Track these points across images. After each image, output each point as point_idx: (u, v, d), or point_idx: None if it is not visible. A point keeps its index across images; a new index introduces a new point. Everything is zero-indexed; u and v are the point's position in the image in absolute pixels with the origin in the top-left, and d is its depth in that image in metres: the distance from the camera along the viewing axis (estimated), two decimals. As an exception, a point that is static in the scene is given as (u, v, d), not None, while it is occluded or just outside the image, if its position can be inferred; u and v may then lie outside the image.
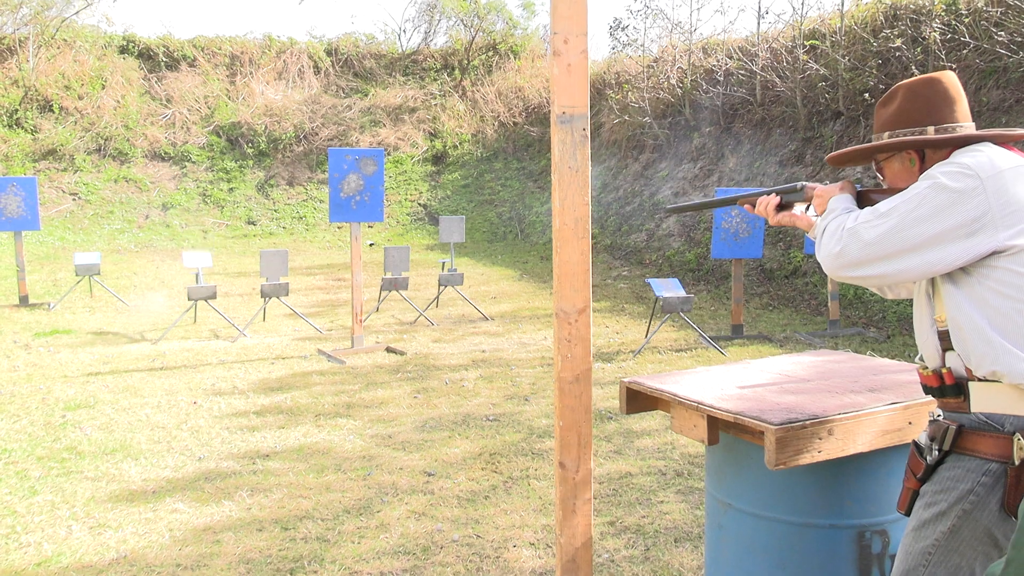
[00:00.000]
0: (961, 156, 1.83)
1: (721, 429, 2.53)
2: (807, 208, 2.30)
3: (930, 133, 1.95)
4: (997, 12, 9.88)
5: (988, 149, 1.85)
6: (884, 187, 2.10)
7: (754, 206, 2.41)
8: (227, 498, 4.37)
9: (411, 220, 19.34)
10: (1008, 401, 1.77)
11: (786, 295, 10.34)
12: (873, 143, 2.05)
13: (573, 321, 2.38)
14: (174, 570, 3.57)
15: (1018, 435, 1.74)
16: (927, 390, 1.97)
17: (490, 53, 23.60)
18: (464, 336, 8.98)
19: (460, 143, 21.57)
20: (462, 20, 23.81)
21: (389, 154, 20.70)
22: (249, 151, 20.05)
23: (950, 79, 1.99)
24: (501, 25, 23.93)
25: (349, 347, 8.19)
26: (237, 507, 4.25)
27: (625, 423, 5.59)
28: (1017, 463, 1.74)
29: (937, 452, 1.88)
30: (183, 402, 6.26)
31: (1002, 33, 9.62)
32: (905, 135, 1.98)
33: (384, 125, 21.41)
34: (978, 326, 1.79)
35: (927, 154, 1.97)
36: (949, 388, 1.88)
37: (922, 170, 1.97)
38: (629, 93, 16.91)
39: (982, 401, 1.82)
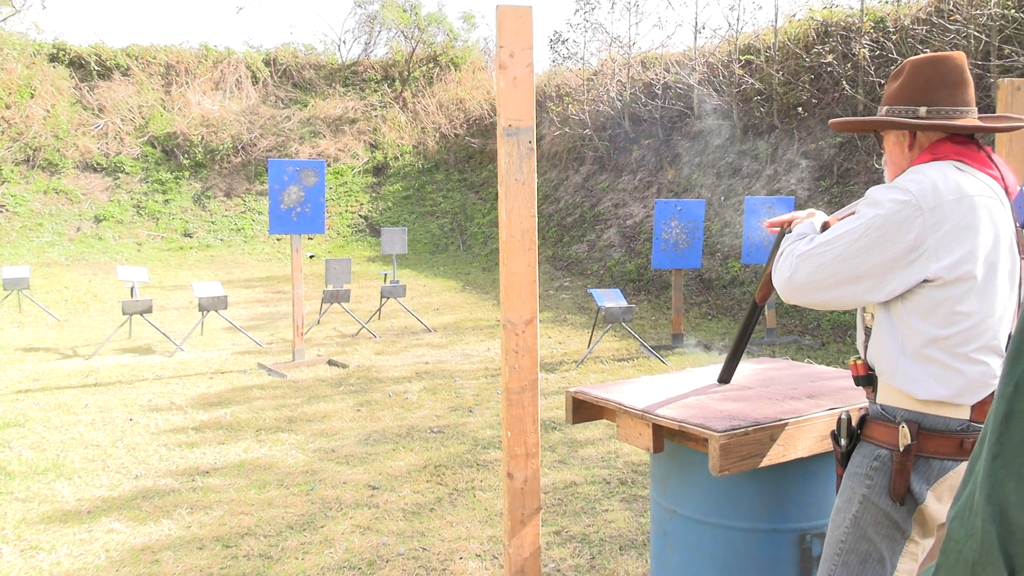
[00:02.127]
0: (908, 178, 1.86)
1: (666, 437, 2.56)
2: None
3: (922, 114, 1.94)
4: (923, 30, 10.24)
5: (938, 172, 1.85)
6: (852, 211, 2.15)
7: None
8: (166, 516, 4.27)
9: (352, 232, 19.18)
10: (902, 398, 1.90)
11: (724, 304, 10.53)
12: (871, 117, 2.06)
13: (520, 332, 2.39)
14: (111, 591, 3.48)
15: (903, 425, 1.86)
16: (855, 380, 2.06)
17: (431, 65, 23.60)
18: (407, 348, 8.94)
19: (401, 154, 21.50)
20: (402, 32, 23.78)
21: (329, 165, 20.52)
22: (185, 162, 19.68)
23: (955, 61, 1.96)
24: (442, 37, 23.96)
25: (290, 360, 8.08)
26: (176, 525, 4.16)
27: (569, 433, 5.62)
28: (901, 450, 1.85)
29: (844, 441, 2.02)
30: (118, 419, 6.10)
31: (927, 49, 9.96)
32: (899, 112, 1.98)
33: (324, 136, 21.23)
34: (888, 340, 1.90)
35: (918, 134, 1.98)
36: (862, 378, 2.01)
37: (911, 146, 1.99)
38: (569, 106, 17.07)
39: (884, 394, 1.95)
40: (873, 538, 1.92)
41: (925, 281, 1.81)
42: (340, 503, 4.45)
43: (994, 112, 4.11)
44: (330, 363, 8.09)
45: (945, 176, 1.84)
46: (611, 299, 8.29)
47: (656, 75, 15.46)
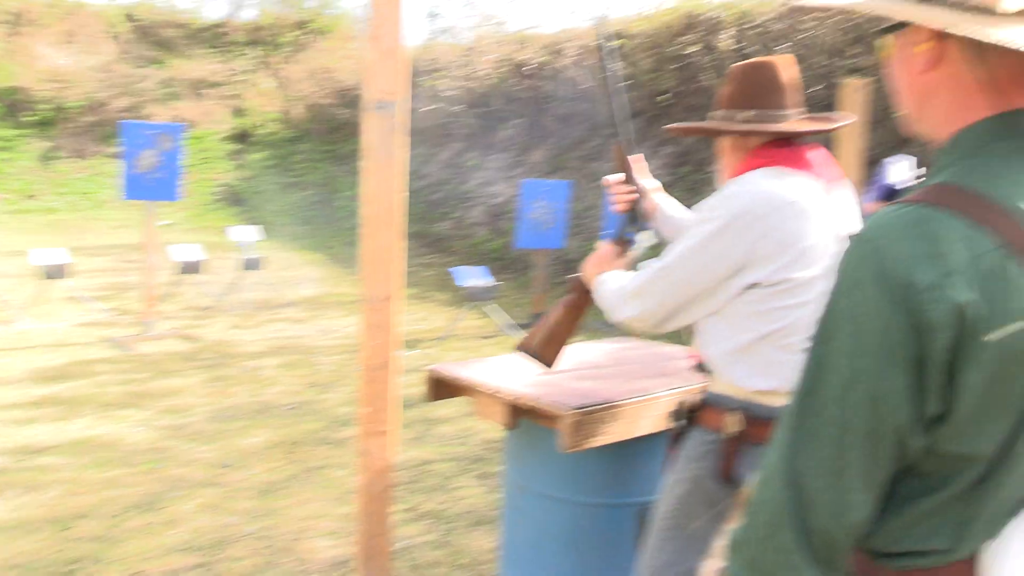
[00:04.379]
0: (732, 190, 1.94)
1: (520, 415, 2.61)
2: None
3: (745, 118, 2.02)
4: (781, 26, 10.73)
5: (759, 180, 1.93)
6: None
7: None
8: (-5, 496, 4.02)
9: (212, 200, 18.45)
10: (732, 389, 2.00)
11: (586, 286, 10.78)
12: (701, 124, 2.18)
13: (380, 308, 2.37)
14: (-70, 576, 3.25)
15: (732, 413, 1.97)
16: (696, 366, 2.16)
17: (301, 31, 22.89)
18: (265, 323, 8.70)
19: (267, 122, 20.80)
20: (271, -6, 22.96)
21: (189, 130, 19.63)
22: (30, 119, 18.35)
23: (775, 66, 2.04)
24: (314, 2, 23.27)
25: (139, 333, 7.72)
26: (6, 507, 3.91)
27: (425, 410, 5.62)
28: (728, 436, 1.98)
29: (679, 424, 2.12)
30: (-56, 391, 5.68)
31: (786, 45, 10.46)
32: (726, 117, 2.06)
33: (184, 99, 20.26)
34: (716, 339, 2.00)
35: (744, 138, 2.06)
36: (700, 366, 2.11)
37: (740, 149, 2.07)
38: (440, 81, 16.96)
39: (716, 384, 2.05)
40: (696, 516, 2.04)
41: (752, 285, 1.91)
42: (187, 482, 4.30)
43: (833, 110, 4.34)
44: (182, 337, 7.78)
45: (766, 184, 1.91)
46: (474, 277, 8.33)
47: (529, 55, 15.56)
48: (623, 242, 2.31)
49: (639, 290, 2.02)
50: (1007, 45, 0.96)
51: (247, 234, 10.32)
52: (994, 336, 0.94)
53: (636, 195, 2.32)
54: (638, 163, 2.37)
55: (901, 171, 2.01)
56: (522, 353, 2.45)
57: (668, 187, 9.99)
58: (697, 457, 2.04)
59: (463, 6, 16.94)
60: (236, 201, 18.37)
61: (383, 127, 2.30)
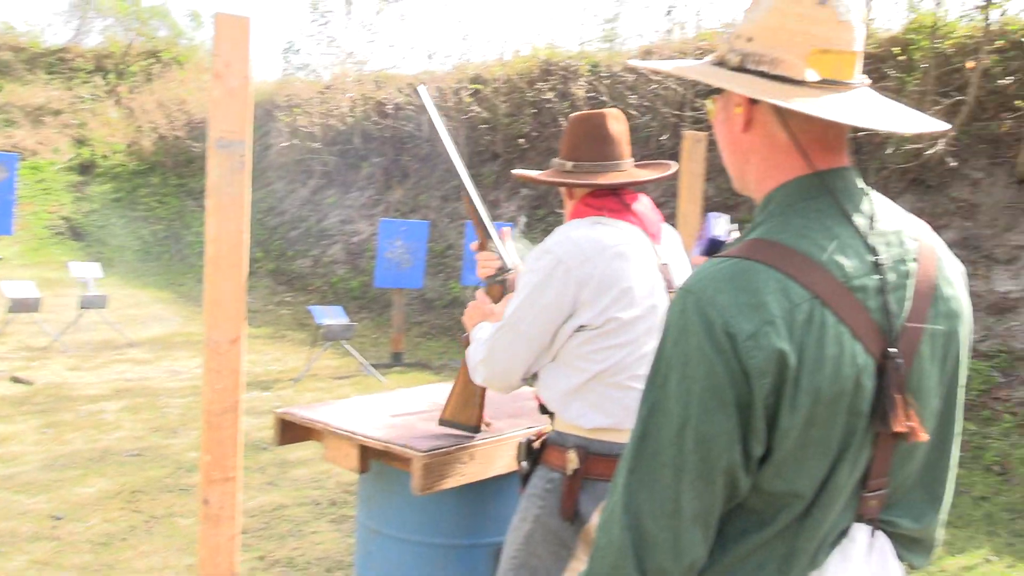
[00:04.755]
0: (554, 240, 2.03)
1: (372, 457, 2.58)
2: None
3: (569, 168, 2.14)
4: (631, 77, 11.21)
5: (579, 230, 2.04)
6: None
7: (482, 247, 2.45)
8: None
9: (50, 234, 17.39)
10: (572, 428, 2.06)
11: (444, 324, 10.79)
12: (537, 174, 2.27)
13: (224, 351, 2.30)
14: None
15: (571, 451, 2.02)
16: (539, 408, 2.21)
17: (151, 60, 22.08)
18: (106, 364, 8.24)
19: (112, 153, 19.87)
20: (121, 22, 22.07)
21: (25, 159, 18.47)
22: None
23: (600, 118, 2.14)
24: (165, 32, 22.53)
25: (-37, 376, 7.15)
26: None
27: (280, 453, 5.46)
28: (569, 474, 2.01)
29: (524, 464, 2.16)
30: None
31: (635, 96, 10.92)
32: (557, 166, 2.18)
33: (20, 126, 19.11)
34: (553, 382, 2.07)
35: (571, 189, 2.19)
36: (542, 407, 2.17)
37: (574, 197, 2.19)
38: (299, 117, 16.72)
39: (558, 423, 2.11)
40: (542, 555, 2.06)
41: (580, 327, 1.99)
42: (15, 536, 4.00)
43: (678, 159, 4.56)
44: (13, 380, 7.26)
45: (584, 231, 2.03)
46: (332, 316, 8.20)
47: (388, 95, 15.58)
48: (496, 288, 2.36)
49: (485, 358, 2.10)
50: (804, 111, 1.05)
51: (88, 270, 9.76)
52: (810, 381, 1.01)
53: (499, 260, 2.36)
54: (504, 235, 2.45)
55: (722, 225, 2.15)
56: (444, 426, 2.48)
57: (528, 228, 10.14)
58: (540, 496, 2.07)
59: (322, 43, 16.78)
60: (77, 235, 17.40)
61: (227, 166, 2.25)
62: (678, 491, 1.02)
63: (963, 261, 7.06)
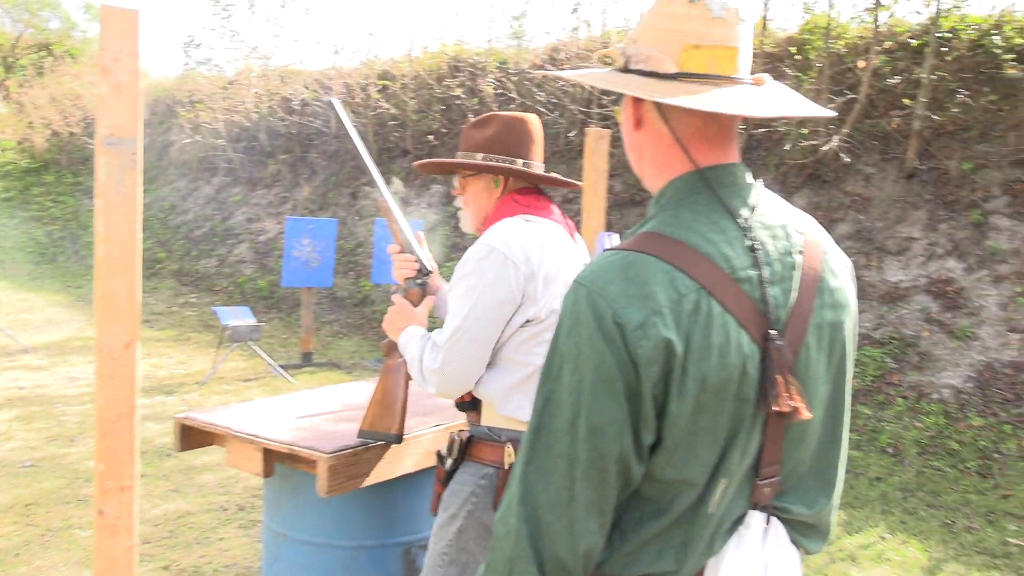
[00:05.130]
0: (495, 238, 2.03)
1: (277, 461, 2.54)
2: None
3: (519, 165, 2.17)
4: (539, 74, 11.28)
5: (517, 227, 2.06)
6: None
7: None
8: None
9: (-67, 235, 16.49)
10: (510, 422, 2.06)
11: (355, 323, 10.66)
12: (466, 160, 2.20)
13: (117, 356, 2.22)
14: None
15: (509, 444, 2.03)
16: (458, 405, 2.19)
17: (43, 53, 21.12)
18: (-2, 371, 7.87)
19: (2, 151, 18.95)
20: (8, 12, 21.07)
21: (-96, 157, 17.47)
22: None
23: (535, 123, 2.23)
24: (57, 24, 21.61)
25: None
26: None
27: (185, 459, 5.31)
28: (506, 467, 2.04)
29: (451, 461, 2.11)
30: None
31: (543, 93, 11.00)
32: (500, 161, 2.16)
33: (-102, 122, 18.05)
34: (495, 376, 2.06)
35: (511, 180, 2.20)
36: (467, 404, 2.14)
37: (503, 193, 2.18)
38: (202, 113, 16.26)
39: (490, 418, 2.09)
40: (473, 550, 2.06)
41: (527, 321, 2.01)
42: None
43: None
44: None
45: (526, 230, 2.05)
46: (238, 317, 8.00)
47: (295, 90, 15.30)
48: (415, 291, 2.33)
49: (440, 367, 2.02)
50: (659, 100, 1.10)
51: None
52: (696, 369, 1.04)
53: (418, 263, 2.34)
54: (420, 240, 2.41)
55: (614, 243, 2.20)
56: (365, 438, 2.39)
57: (438, 224, 10.09)
58: (472, 493, 2.06)
59: (225, 38, 16.35)
60: (-36, 237, 16.54)
61: (116, 164, 2.18)
62: (572, 480, 1.04)
63: (857, 253, 7.36)
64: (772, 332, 1.08)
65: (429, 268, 2.36)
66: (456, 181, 2.28)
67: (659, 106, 1.16)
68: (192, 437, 2.71)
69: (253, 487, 4.88)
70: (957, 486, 5.27)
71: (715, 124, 1.17)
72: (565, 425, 1.04)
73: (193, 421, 2.68)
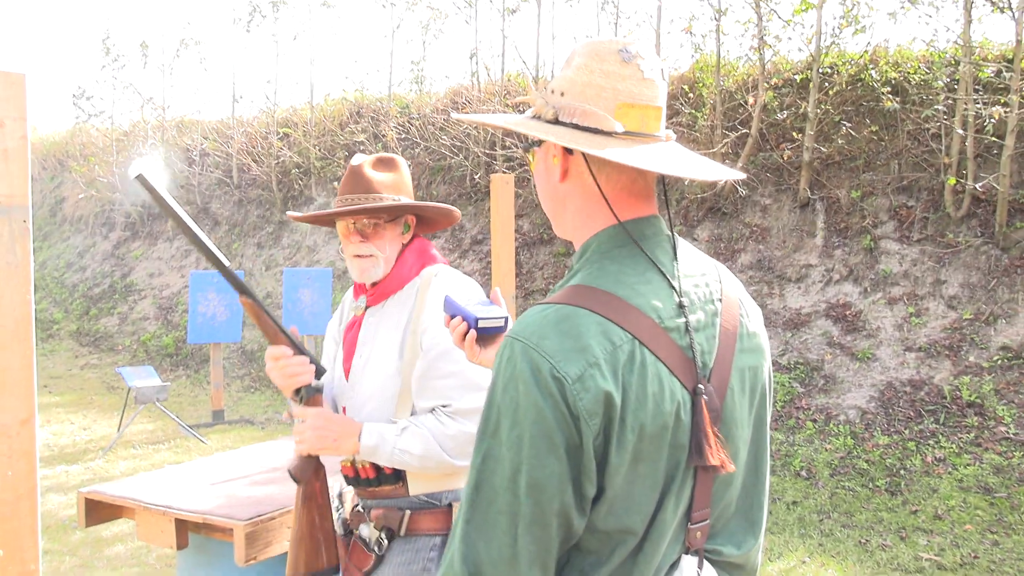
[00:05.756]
0: (446, 289, 2.00)
1: (191, 531, 2.45)
2: None
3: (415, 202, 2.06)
4: (442, 119, 11.36)
5: (454, 274, 2.07)
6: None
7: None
8: None
9: None
10: (442, 480, 1.94)
11: (267, 377, 10.37)
12: (389, 202, 2.01)
13: (15, 434, 2.11)
14: None
15: (454, 504, 1.92)
16: (351, 481, 2.01)
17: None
18: None
19: None
20: None
21: None
22: None
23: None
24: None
25: None
26: None
27: (94, 531, 5.07)
28: None
29: (387, 541, 1.91)
30: None
31: (446, 137, 11.07)
32: (407, 201, 2.05)
33: None
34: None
35: (415, 223, 2.11)
36: (387, 476, 1.94)
37: (398, 238, 2.07)
38: (96, 167, 15.78)
39: (419, 484, 1.93)
40: None
41: None
42: None
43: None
44: None
45: (459, 275, 2.09)
46: (143, 377, 7.72)
47: (193, 141, 15.01)
48: (316, 397, 2.00)
49: (457, 435, 1.87)
50: (617, 160, 1.11)
51: None
52: (634, 418, 1.05)
53: (312, 364, 2.00)
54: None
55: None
56: None
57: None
58: (420, 568, 1.90)
59: (118, 89, 15.95)
60: None
61: (6, 233, 2.09)
62: (515, 536, 1.03)
63: (759, 281, 7.58)
64: (700, 386, 1.11)
65: (323, 367, 2.04)
66: (349, 227, 2.06)
67: (588, 161, 1.18)
68: (99, 511, 2.60)
69: (167, 556, 4.68)
70: (869, 505, 5.44)
71: (643, 180, 1.20)
72: (505, 482, 1.04)
73: (99, 495, 2.57)
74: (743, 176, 1.30)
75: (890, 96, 7.73)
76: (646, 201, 1.22)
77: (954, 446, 5.85)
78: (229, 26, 20.68)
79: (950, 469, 5.65)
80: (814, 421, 6.54)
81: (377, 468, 1.94)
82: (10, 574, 2.12)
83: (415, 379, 1.94)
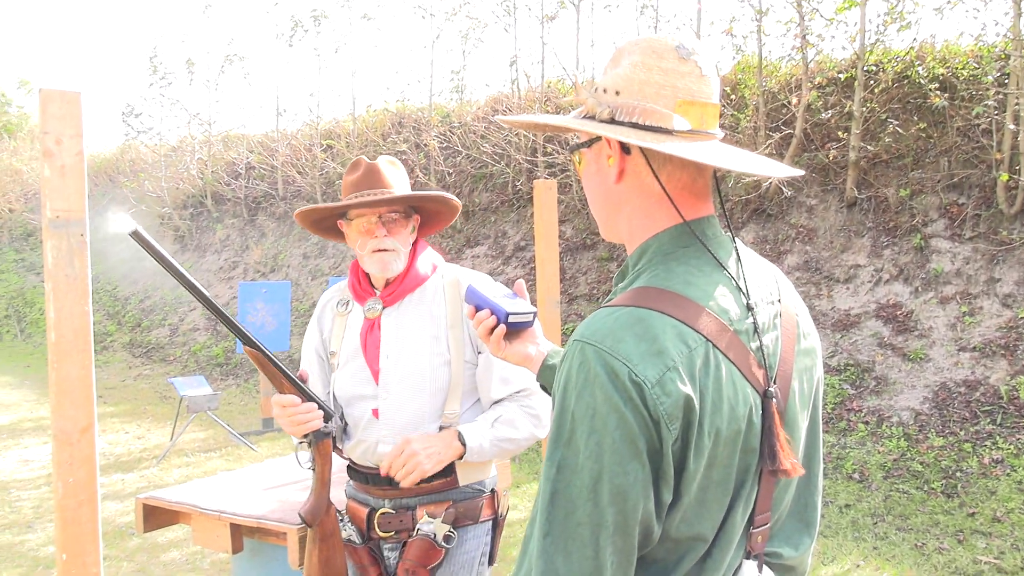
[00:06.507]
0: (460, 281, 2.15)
1: (245, 535, 2.49)
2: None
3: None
4: (483, 127, 11.42)
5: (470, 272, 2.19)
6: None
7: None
8: None
9: None
10: (483, 468, 2.07)
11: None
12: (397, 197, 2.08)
13: (75, 442, 2.17)
14: None
15: (496, 490, 2.07)
16: (426, 480, 2.02)
17: (-21, 130, 20.84)
18: (-55, 460, 7.60)
19: (-61, 231, 18.55)
20: (-60, 92, 20.78)
21: None
22: None
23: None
24: (-8, 101, 21.37)
25: None
26: None
27: (149, 537, 5.17)
28: (505, 514, 2.09)
29: (455, 533, 2.00)
30: None
31: (487, 145, 11.12)
32: (437, 192, 2.18)
33: None
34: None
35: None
36: (441, 471, 1.99)
37: (410, 235, 2.18)
38: (146, 182, 16.12)
39: (468, 474, 2.06)
40: None
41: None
42: None
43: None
44: None
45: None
46: (194, 387, 7.87)
47: (239, 154, 15.27)
48: (327, 442, 2.03)
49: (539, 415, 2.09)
50: (684, 156, 1.08)
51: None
52: (711, 423, 1.03)
53: (321, 412, 2.01)
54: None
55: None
56: None
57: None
58: (481, 553, 2.06)
59: (165, 106, 16.31)
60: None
61: (64, 247, 2.15)
62: (598, 548, 1.00)
63: (806, 283, 7.48)
64: (770, 388, 1.09)
65: (331, 410, 2.05)
66: (373, 222, 2.08)
67: (648, 159, 1.15)
68: (156, 517, 2.65)
69: (221, 561, 4.76)
70: (924, 507, 5.34)
71: (702, 179, 1.18)
72: (585, 491, 1.00)
73: (156, 501, 2.62)
74: (802, 173, 1.28)
75: (938, 92, 7.59)
76: (705, 200, 1.19)
77: (1012, 447, 5.71)
78: (272, 41, 21.01)
79: (1008, 471, 5.52)
80: (866, 423, 6.43)
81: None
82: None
83: (480, 372, 2.05)
